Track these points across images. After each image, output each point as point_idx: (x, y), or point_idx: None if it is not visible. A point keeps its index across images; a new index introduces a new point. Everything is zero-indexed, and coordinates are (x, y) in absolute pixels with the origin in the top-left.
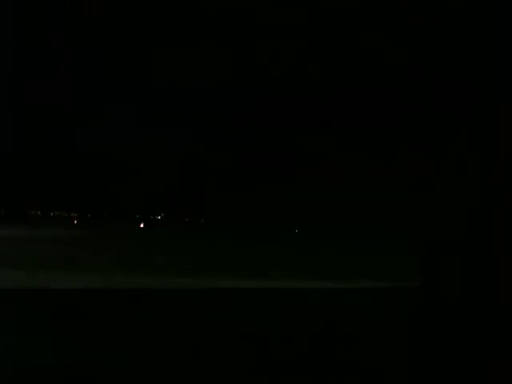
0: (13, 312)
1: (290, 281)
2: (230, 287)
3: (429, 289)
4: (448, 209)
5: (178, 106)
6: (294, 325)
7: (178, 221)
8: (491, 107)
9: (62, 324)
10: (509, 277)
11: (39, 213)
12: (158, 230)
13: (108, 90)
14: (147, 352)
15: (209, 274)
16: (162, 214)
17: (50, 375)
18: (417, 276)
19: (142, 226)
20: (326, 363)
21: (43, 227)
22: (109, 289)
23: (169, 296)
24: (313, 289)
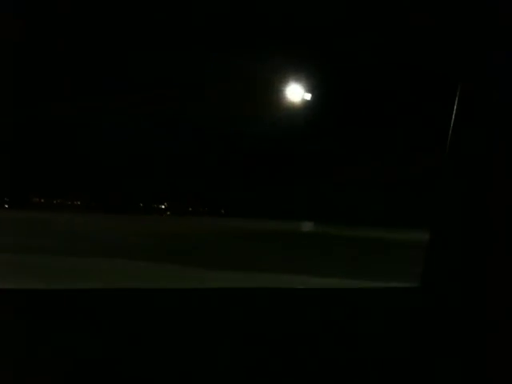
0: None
1: (290, 280)
2: (230, 287)
3: (429, 289)
4: (448, 209)
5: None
6: (293, 325)
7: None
8: (491, 107)
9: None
10: (509, 277)
11: (42, 200)
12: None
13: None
14: (148, 352)
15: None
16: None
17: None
18: (417, 276)
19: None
20: (325, 364)
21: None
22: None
23: (169, 296)
24: (312, 289)
